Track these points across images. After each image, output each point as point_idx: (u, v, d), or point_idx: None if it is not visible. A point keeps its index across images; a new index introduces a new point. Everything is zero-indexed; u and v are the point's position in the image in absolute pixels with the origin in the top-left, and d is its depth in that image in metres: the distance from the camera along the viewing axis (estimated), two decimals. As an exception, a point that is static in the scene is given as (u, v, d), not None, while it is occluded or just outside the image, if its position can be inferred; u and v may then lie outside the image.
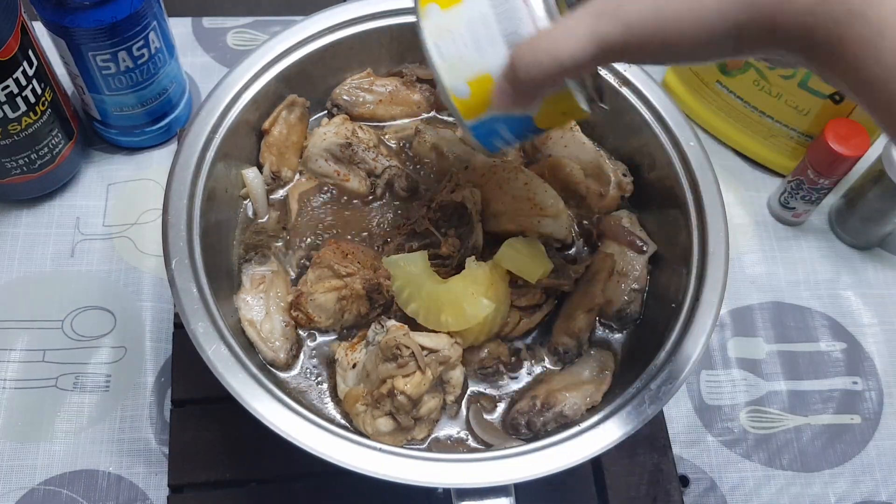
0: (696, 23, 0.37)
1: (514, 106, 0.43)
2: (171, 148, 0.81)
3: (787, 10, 0.35)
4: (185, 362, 0.67)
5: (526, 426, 0.56)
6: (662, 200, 0.63)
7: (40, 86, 0.68)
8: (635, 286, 0.62)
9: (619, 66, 0.64)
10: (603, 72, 0.64)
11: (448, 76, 0.44)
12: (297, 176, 0.66)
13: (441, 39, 0.44)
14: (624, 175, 0.66)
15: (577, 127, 0.67)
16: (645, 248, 0.63)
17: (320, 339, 0.60)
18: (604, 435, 0.51)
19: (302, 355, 0.59)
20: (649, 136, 0.63)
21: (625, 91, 0.64)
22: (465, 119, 0.46)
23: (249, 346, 0.57)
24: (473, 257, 0.58)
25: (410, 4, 0.66)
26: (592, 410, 0.56)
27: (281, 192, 0.66)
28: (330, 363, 0.59)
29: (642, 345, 0.60)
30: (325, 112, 0.70)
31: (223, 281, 0.59)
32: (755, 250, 0.82)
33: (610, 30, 0.38)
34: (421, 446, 0.56)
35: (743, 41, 0.37)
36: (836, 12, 0.34)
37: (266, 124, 0.64)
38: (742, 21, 0.36)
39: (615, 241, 0.64)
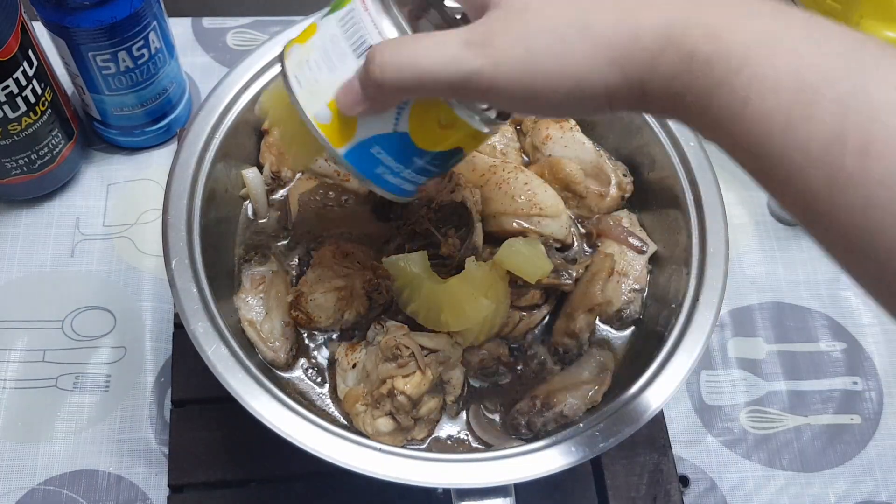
0: (566, 78, 0.36)
1: (360, 106, 0.41)
2: (171, 148, 0.81)
3: (655, 77, 0.35)
4: (185, 362, 0.67)
5: (526, 426, 0.56)
6: (662, 200, 0.63)
7: (40, 86, 0.68)
8: (635, 286, 0.62)
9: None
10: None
11: (308, 104, 0.43)
12: (297, 176, 0.66)
13: (299, 70, 0.43)
14: (624, 175, 0.66)
15: (577, 127, 0.67)
16: (645, 248, 0.64)
17: (320, 339, 0.60)
18: (604, 435, 0.51)
19: (302, 356, 0.59)
20: (649, 136, 0.63)
21: (625, 91, 0.64)
22: (336, 147, 0.43)
23: (249, 347, 0.57)
24: (473, 257, 0.58)
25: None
26: (592, 410, 0.56)
27: (281, 192, 0.66)
28: (330, 363, 0.59)
29: (642, 345, 0.60)
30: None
31: (223, 281, 0.59)
32: (755, 250, 0.82)
33: (477, 63, 0.36)
34: (421, 446, 0.56)
35: (614, 102, 0.36)
36: (701, 81, 0.33)
37: (265, 125, 0.64)
38: (612, 83, 0.35)
39: (615, 241, 0.64)
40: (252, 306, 0.59)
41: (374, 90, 0.40)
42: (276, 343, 0.58)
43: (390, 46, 0.39)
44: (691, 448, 0.71)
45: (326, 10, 0.44)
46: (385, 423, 0.54)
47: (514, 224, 0.61)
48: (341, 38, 0.42)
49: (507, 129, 0.68)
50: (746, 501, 0.69)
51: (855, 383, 0.75)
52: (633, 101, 0.36)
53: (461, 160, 0.49)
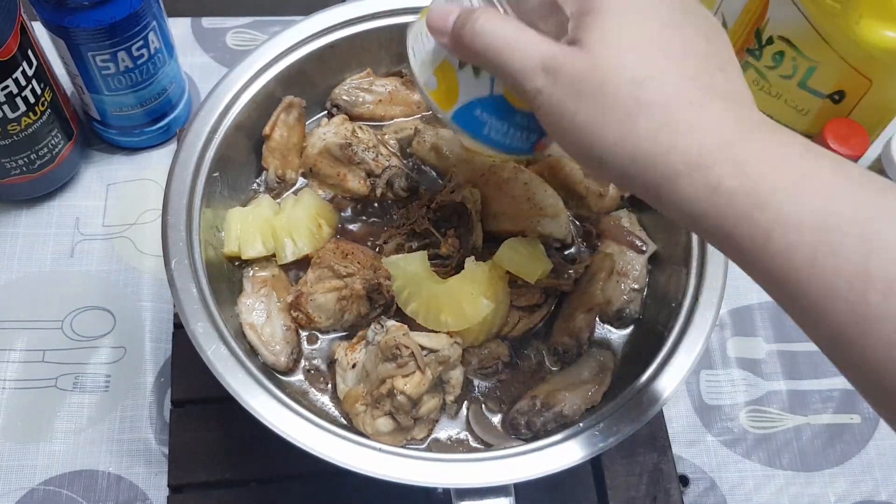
0: (593, 149, 0.38)
1: (442, 37, 0.44)
2: (171, 148, 0.81)
3: (674, 192, 0.37)
4: (185, 362, 0.67)
5: (526, 426, 0.56)
6: (662, 200, 0.63)
7: (40, 86, 0.68)
8: (635, 286, 0.62)
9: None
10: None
11: (420, 72, 0.48)
12: (300, 179, 0.66)
13: (415, 43, 0.48)
14: (624, 175, 0.66)
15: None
16: (645, 248, 0.63)
17: (321, 339, 0.60)
18: (604, 435, 0.51)
19: (302, 357, 0.59)
20: (649, 136, 0.63)
21: (624, 91, 0.64)
22: (442, 109, 0.48)
23: (250, 348, 0.57)
24: (473, 257, 0.58)
25: (409, 4, 0.66)
26: (592, 410, 0.56)
27: (286, 194, 0.66)
28: (330, 363, 0.59)
29: (642, 345, 0.60)
30: (325, 112, 0.70)
31: (223, 283, 0.59)
32: (755, 250, 0.82)
33: (539, 86, 0.39)
34: (421, 446, 0.56)
35: (626, 189, 0.42)
36: (721, 211, 0.35)
37: (266, 129, 0.64)
38: (630, 175, 0.38)
39: (615, 241, 0.64)
40: (253, 309, 0.59)
41: (457, 41, 0.43)
42: (277, 347, 0.57)
43: (493, 19, 0.41)
44: (691, 448, 0.71)
45: None
46: (385, 423, 0.54)
47: (514, 224, 0.61)
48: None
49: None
50: (746, 501, 0.69)
51: (855, 383, 0.75)
52: (647, 199, 0.39)
53: None
